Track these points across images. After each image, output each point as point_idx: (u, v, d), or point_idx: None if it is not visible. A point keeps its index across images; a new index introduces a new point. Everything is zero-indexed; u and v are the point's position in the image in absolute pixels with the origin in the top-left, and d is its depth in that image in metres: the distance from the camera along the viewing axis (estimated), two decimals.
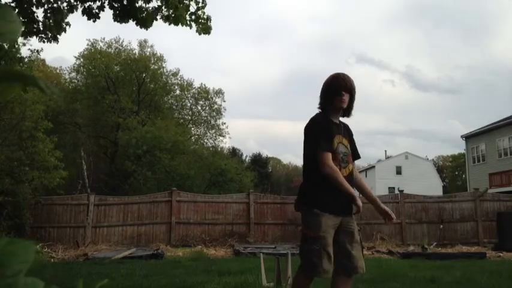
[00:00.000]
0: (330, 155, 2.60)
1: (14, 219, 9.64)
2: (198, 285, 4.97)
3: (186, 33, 67.99)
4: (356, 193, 2.68)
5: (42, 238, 10.37)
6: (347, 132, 2.84)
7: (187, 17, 5.83)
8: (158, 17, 5.78)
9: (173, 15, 5.70)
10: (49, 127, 12.08)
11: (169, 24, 5.78)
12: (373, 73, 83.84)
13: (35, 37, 6.04)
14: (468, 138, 25.47)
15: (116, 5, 5.67)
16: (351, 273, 2.65)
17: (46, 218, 10.86)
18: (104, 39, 26.42)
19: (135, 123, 23.17)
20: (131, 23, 5.86)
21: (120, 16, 5.67)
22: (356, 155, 2.89)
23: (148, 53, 26.97)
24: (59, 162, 11.74)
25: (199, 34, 5.97)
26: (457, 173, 56.24)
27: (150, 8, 5.78)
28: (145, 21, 5.66)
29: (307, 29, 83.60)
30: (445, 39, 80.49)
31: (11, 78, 0.29)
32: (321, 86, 2.84)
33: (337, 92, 2.69)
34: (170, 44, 58.95)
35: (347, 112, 2.80)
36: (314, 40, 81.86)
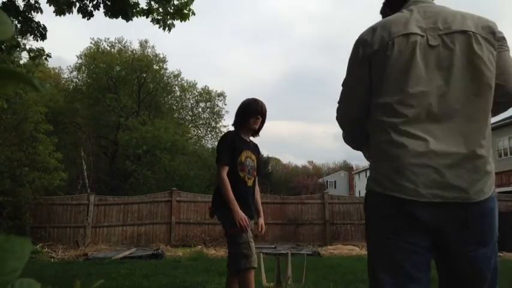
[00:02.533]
0: (226, 168, 2.91)
1: (14, 220, 9.64)
2: (198, 285, 4.98)
3: (185, 33, 68.09)
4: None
5: (42, 238, 10.37)
6: (256, 151, 3.18)
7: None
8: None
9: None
10: (49, 129, 12.09)
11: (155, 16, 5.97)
12: None
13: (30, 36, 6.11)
14: None
15: (109, 3, 5.75)
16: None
17: (46, 218, 10.86)
18: (108, 39, 26.50)
19: (136, 123, 23.18)
20: (132, 22, 5.95)
21: (111, 12, 5.77)
22: (259, 172, 3.23)
23: (150, 54, 27.01)
24: (59, 164, 11.75)
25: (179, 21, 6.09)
26: None
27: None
28: (130, 14, 5.79)
29: (306, 29, 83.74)
30: None
31: (3, 76, 0.29)
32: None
33: (253, 115, 3.06)
34: (169, 43, 59.06)
35: (256, 133, 3.19)
36: (312, 40, 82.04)
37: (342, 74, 1.80)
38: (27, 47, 7.10)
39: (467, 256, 1.36)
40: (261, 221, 3.21)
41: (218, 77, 70.12)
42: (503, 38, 1.46)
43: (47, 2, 5.79)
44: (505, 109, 1.53)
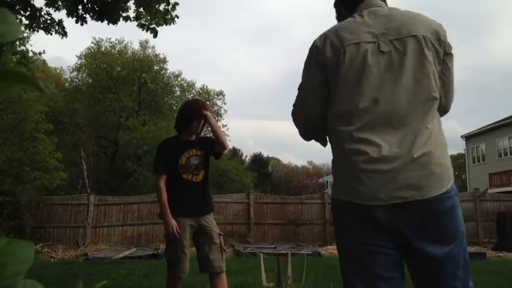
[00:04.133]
0: (163, 176, 3.01)
1: (14, 220, 9.63)
2: (198, 285, 4.97)
3: (185, 33, 68.11)
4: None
5: (42, 238, 10.36)
6: (202, 145, 3.11)
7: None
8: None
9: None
10: (50, 129, 12.09)
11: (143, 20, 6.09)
12: None
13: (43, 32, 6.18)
14: (468, 138, 25.48)
15: (97, 8, 5.84)
16: (211, 272, 3.00)
17: (46, 218, 10.85)
18: (109, 39, 26.47)
19: (137, 123, 23.18)
20: (132, 23, 6.01)
21: (99, 16, 5.85)
22: (217, 150, 3.16)
23: (151, 55, 27.00)
24: (59, 164, 11.74)
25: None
26: (457, 173, 56.25)
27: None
28: (114, 18, 5.87)
29: (306, 28, 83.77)
30: None
31: (9, 78, 0.29)
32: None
33: (195, 119, 3.05)
34: (169, 44, 59.06)
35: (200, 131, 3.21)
36: (312, 39, 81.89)
37: None
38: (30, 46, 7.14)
39: (430, 255, 1.37)
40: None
41: (218, 77, 70.13)
42: (450, 46, 1.51)
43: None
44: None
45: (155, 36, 6.24)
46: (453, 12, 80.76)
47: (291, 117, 1.69)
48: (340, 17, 1.68)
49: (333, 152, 1.51)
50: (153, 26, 6.15)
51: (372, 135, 1.38)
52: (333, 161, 1.52)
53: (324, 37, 1.50)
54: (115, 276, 5.89)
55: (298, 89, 1.60)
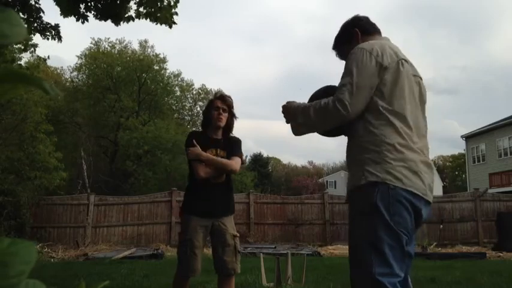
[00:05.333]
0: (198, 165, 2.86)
1: (14, 220, 9.63)
2: (198, 285, 4.97)
3: (185, 33, 68.07)
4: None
5: (42, 238, 10.36)
6: (229, 147, 3.01)
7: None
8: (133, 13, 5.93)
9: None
10: (50, 129, 12.09)
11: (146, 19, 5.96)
12: None
13: (39, 35, 6.13)
14: (468, 138, 25.48)
15: (100, 6, 5.76)
16: (223, 274, 2.91)
17: (46, 218, 10.86)
18: (108, 39, 26.46)
19: (137, 123, 23.18)
20: (132, 23, 5.96)
21: (101, 15, 5.78)
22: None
23: (151, 55, 26.99)
24: (59, 164, 11.74)
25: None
26: (457, 173, 56.23)
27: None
28: (120, 18, 5.79)
29: (304, 28, 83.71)
30: (440, 39, 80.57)
31: (14, 79, 0.29)
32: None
33: (213, 109, 2.96)
34: (169, 43, 59.01)
35: (229, 129, 3.05)
36: (311, 39, 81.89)
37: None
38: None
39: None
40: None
41: (217, 77, 70.13)
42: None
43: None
44: None
45: (170, 26, 6.01)
46: (453, 12, 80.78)
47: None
48: (350, 39, 1.94)
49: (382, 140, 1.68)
50: (171, 17, 5.95)
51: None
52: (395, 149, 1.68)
53: (382, 46, 1.76)
54: (115, 276, 5.89)
55: (350, 84, 1.70)
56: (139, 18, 5.96)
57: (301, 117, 1.82)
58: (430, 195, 1.69)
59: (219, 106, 2.94)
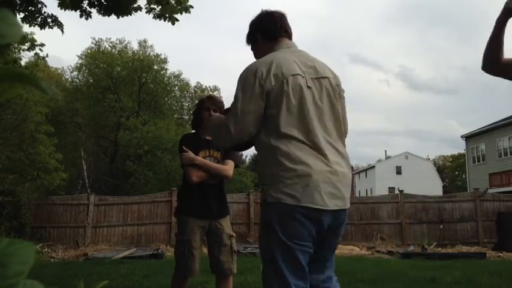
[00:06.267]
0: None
1: (14, 220, 9.63)
2: (198, 285, 4.97)
3: (185, 33, 68.03)
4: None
5: (42, 238, 10.36)
6: None
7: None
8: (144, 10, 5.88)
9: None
10: (50, 130, 12.09)
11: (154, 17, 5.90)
12: (368, 73, 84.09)
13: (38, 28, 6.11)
14: (468, 138, 25.48)
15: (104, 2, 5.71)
16: (220, 274, 2.92)
17: (46, 218, 10.85)
18: (109, 39, 26.46)
19: (137, 123, 23.19)
20: (132, 23, 5.93)
21: (106, 10, 5.73)
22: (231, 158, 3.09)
23: (152, 55, 26.99)
24: (59, 165, 11.74)
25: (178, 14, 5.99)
26: (457, 173, 56.27)
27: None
28: (125, 10, 5.73)
29: (300, 28, 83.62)
30: (440, 39, 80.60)
31: (12, 78, 0.29)
32: None
33: (204, 110, 2.96)
34: (167, 43, 59.01)
35: None
36: (307, 40, 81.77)
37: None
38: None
39: None
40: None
41: (218, 76, 70.13)
42: (343, 91, 1.89)
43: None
44: None
45: (173, 23, 5.95)
46: (453, 12, 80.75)
47: None
48: (254, 43, 1.95)
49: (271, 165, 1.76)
50: (169, 15, 5.89)
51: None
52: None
53: (266, 64, 1.73)
54: (115, 276, 5.89)
55: (235, 107, 1.76)
56: (149, 13, 5.88)
57: (211, 132, 1.97)
58: (336, 203, 1.70)
59: (210, 107, 2.94)
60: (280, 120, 1.68)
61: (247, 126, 1.72)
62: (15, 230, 9.46)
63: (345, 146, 1.83)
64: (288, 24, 1.93)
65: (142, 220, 11.36)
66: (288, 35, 1.90)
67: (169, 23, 5.92)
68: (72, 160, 21.48)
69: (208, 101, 3.00)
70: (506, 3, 1.98)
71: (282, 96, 1.68)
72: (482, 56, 2.03)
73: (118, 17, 5.83)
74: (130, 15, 5.86)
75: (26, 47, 7.63)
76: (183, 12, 5.93)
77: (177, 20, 5.94)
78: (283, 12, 1.95)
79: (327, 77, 1.79)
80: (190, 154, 2.87)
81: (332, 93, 1.78)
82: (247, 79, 1.73)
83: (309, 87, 1.73)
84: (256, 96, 1.69)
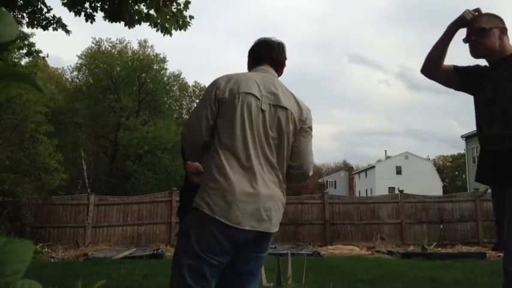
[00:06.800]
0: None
1: (14, 220, 9.64)
2: None
3: (183, 33, 67.91)
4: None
5: (42, 238, 10.36)
6: None
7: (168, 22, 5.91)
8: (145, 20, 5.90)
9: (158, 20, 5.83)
10: (50, 130, 12.08)
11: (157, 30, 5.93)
12: (367, 73, 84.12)
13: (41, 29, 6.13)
14: (468, 138, 25.49)
15: (107, 7, 5.73)
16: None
17: (46, 218, 10.85)
18: (109, 39, 26.46)
19: (137, 123, 23.19)
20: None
21: (110, 17, 5.75)
22: None
23: (151, 55, 27.00)
24: (59, 165, 11.74)
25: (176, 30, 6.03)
26: (457, 173, 56.24)
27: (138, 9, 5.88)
28: (133, 22, 5.77)
29: (300, 29, 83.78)
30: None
31: (8, 77, 0.29)
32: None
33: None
34: (167, 43, 59.02)
35: None
36: (307, 40, 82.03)
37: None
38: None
39: None
40: None
41: (217, 76, 69.99)
42: (310, 128, 1.92)
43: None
44: (299, 180, 2.05)
45: (170, 35, 6.00)
46: (453, 12, 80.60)
47: None
48: (248, 62, 2.07)
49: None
50: (166, 25, 5.93)
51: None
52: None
53: (228, 79, 1.82)
54: (115, 276, 5.89)
55: (193, 113, 1.91)
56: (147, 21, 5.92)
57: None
58: (253, 225, 1.71)
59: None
60: (223, 130, 1.75)
61: (199, 129, 1.77)
62: (15, 230, 9.47)
63: (283, 174, 1.84)
64: (277, 53, 2.00)
65: (142, 220, 11.37)
66: (273, 61, 1.98)
67: (167, 35, 6.01)
68: (72, 160, 21.48)
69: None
70: (465, 12, 2.08)
71: (230, 109, 1.74)
72: (425, 58, 2.16)
73: (126, 26, 5.85)
74: (134, 26, 5.90)
75: (24, 52, 7.68)
76: (186, 27, 5.99)
77: (171, 32, 6.02)
78: (280, 42, 2.05)
79: (286, 108, 1.82)
80: (195, 162, 2.90)
81: (285, 124, 1.80)
82: (208, 88, 1.85)
83: (262, 110, 1.78)
84: (209, 103, 1.77)
